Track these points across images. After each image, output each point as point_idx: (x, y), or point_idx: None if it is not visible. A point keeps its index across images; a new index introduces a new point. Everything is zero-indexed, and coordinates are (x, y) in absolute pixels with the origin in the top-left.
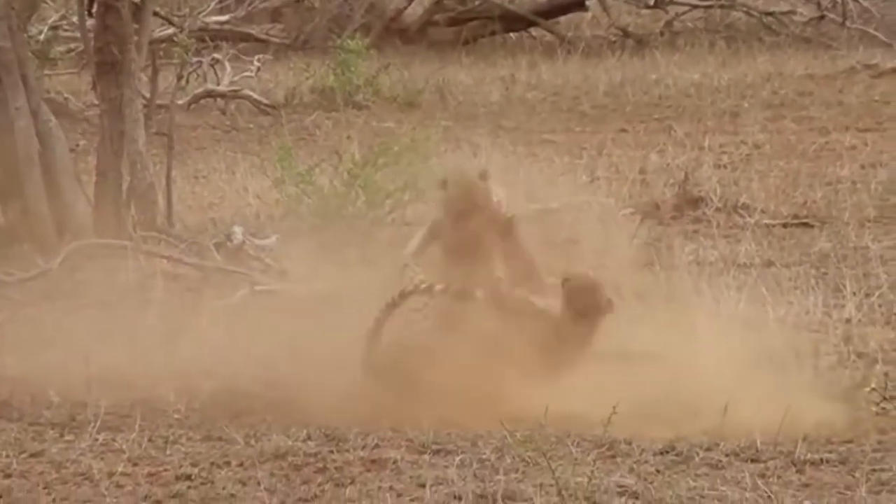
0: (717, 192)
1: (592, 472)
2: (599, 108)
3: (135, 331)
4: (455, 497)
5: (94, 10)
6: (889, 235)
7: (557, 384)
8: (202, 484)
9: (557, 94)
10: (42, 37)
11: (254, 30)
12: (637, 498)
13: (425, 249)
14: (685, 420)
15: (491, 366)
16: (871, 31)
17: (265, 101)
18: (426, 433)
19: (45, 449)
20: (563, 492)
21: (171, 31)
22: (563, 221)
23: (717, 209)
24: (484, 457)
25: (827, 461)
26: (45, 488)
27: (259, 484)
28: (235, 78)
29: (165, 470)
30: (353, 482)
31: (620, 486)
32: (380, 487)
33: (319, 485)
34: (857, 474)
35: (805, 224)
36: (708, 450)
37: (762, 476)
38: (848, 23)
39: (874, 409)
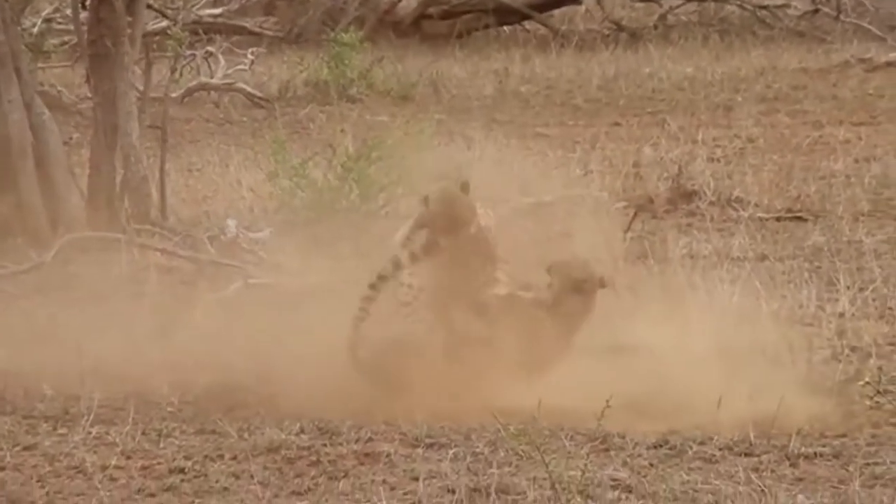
0: (710, 185)
1: (586, 465)
2: (593, 101)
3: (128, 324)
4: (448, 490)
5: (87, 2)
6: (883, 229)
7: (557, 373)
8: (195, 477)
9: (551, 87)
10: (36, 29)
11: (247, 23)
12: (630, 491)
13: (414, 239)
14: (679, 414)
15: (485, 361)
16: (865, 24)
17: (259, 94)
18: (420, 427)
19: (39, 442)
20: (557, 485)
21: (164, 23)
22: (556, 215)
23: (711, 203)
24: (477, 450)
25: (821, 455)
26: (38, 481)
27: (252, 477)
28: (229, 71)
29: (159, 463)
30: (346, 475)
31: (614, 480)
32: (373, 481)
33: (313, 478)
34: (850, 468)
35: (799, 218)
36: (701, 443)
37: (756, 470)
38: (842, 16)
39: (868, 402)
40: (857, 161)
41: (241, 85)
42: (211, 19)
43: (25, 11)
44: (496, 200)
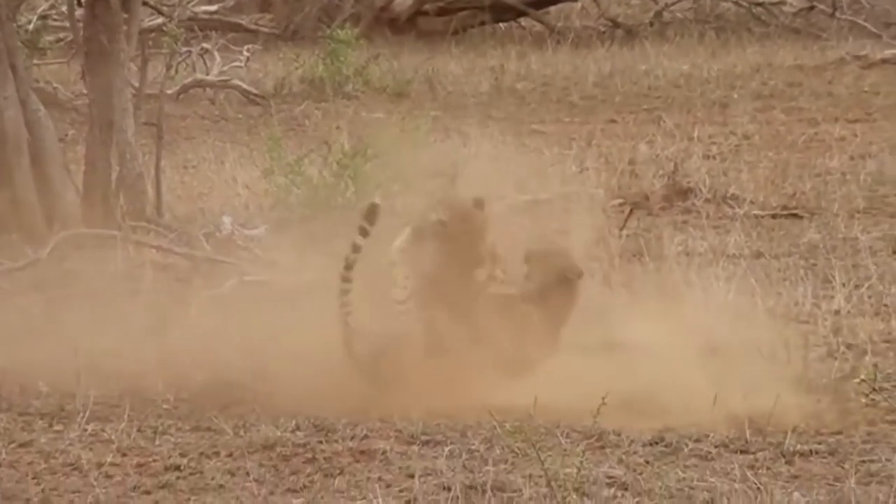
0: (706, 182)
1: (581, 462)
2: (589, 98)
3: (124, 321)
4: (444, 488)
5: None
6: (878, 226)
7: (549, 368)
8: (191, 474)
9: (547, 84)
10: (31, 26)
11: (243, 19)
12: (626, 489)
13: (411, 248)
14: (674, 411)
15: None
16: (861, 21)
17: (254, 91)
18: (415, 424)
19: (34, 439)
20: (553, 483)
21: (160, 20)
22: (552, 212)
23: (707, 200)
24: (473, 447)
25: (816, 452)
26: (33, 478)
27: (248, 474)
28: (225, 68)
29: (154, 460)
30: (341, 473)
31: (609, 477)
32: (368, 478)
33: (308, 475)
34: (846, 465)
35: (794, 215)
36: (697, 441)
37: (751, 467)
38: (837, 13)
39: (863, 400)
40: (852, 158)
41: (236, 82)
42: (207, 16)
43: (21, 8)
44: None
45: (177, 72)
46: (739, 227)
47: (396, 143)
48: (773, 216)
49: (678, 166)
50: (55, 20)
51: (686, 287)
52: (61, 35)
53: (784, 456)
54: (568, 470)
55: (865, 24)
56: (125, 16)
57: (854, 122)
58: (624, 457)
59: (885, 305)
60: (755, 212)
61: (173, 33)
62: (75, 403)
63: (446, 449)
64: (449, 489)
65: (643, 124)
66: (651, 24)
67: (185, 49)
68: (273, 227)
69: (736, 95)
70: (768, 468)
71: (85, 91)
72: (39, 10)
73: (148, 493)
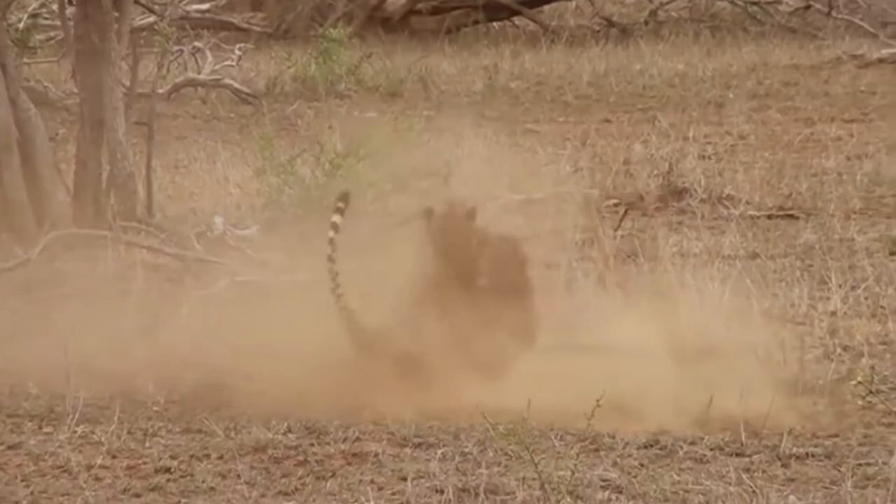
0: (701, 183)
1: (576, 465)
2: (583, 98)
3: (114, 321)
4: (437, 491)
5: None
6: (875, 227)
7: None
8: (181, 477)
9: (541, 83)
10: (22, 25)
11: (235, 18)
12: (621, 492)
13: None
14: (669, 414)
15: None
16: (857, 20)
17: (246, 90)
18: (408, 426)
19: (24, 441)
20: (546, 486)
21: (151, 19)
22: (546, 212)
23: (702, 200)
24: (466, 450)
25: (812, 455)
26: (22, 481)
27: (239, 477)
28: (216, 67)
29: (144, 462)
30: (333, 475)
31: (604, 480)
32: (361, 481)
33: (300, 478)
34: (842, 468)
35: (790, 216)
36: (692, 444)
37: (747, 470)
38: (834, 13)
39: (860, 402)
40: (848, 158)
41: (228, 81)
42: (198, 15)
43: (11, 6)
44: (485, 197)
45: (168, 71)
46: (735, 228)
47: (389, 143)
48: (769, 217)
49: (673, 166)
50: (46, 18)
51: (681, 288)
52: (52, 33)
53: (780, 459)
54: (562, 473)
55: (862, 23)
56: (116, 14)
57: (850, 122)
58: (618, 460)
59: (882, 307)
60: (751, 212)
61: (165, 32)
62: (65, 405)
63: (439, 451)
64: (442, 492)
65: (638, 124)
66: (646, 22)
67: (176, 48)
68: (265, 227)
69: (731, 95)
70: (764, 471)
71: (75, 90)
72: (30, 9)
73: (138, 495)
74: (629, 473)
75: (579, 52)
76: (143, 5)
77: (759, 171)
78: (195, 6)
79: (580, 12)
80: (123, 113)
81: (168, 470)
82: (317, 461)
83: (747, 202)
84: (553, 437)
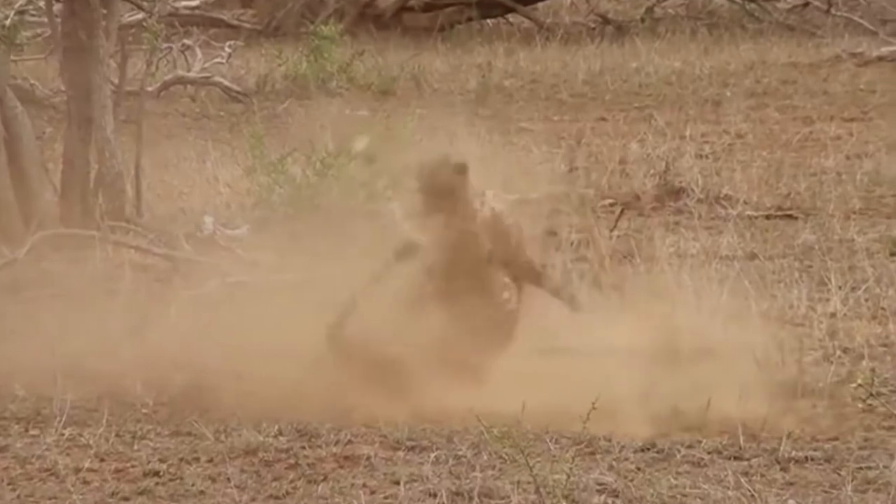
0: (698, 182)
1: (571, 469)
2: (578, 96)
3: (102, 322)
4: (430, 494)
5: None
6: (875, 228)
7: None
8: (170, 480)
9: (535, 81)
10: (8, 21)
11: (225, 15)
12: (617, 496)
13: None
14: (666, 416)
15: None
16: (857, 18)
17: (236, 88)
18: (400, 429)
19: (10, 444)
20: (541, 489)
21: (140, 16)
22: (540, 212)
23: (699, 200)
24: (460, 453)
25: (812, 459)
26: (9, 484)
27: (229, 480)
28: (206, 64)
29: (133, 466)
30: (325, 479)
31: (600, 484)
32: (353, 484)
33: (291, 481)
34: (842, 472)
35: (789, 216)
36: (689, 447)
37: (745, 474)
38: (833, 10)
39: (860, 405)
40: (848, 158)
41: (218, 79)
42: (187, 11)
43: None
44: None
45: (157, 68)
46: (732, 228)
47: (381, 142)
48: (767, 217)
49: (670, 166)
50: (33, 15)
51: (678, 289)
52: (39, 30)
53: (779, 462)
54: (557, 476)
55: (861, 20)
56: (104, 11)
57: (850, 121)
58: (614, 463)
59: (882, 308)
60: (749, 212)
61: (153, 29)
62: (52, 407)
63: (432, 455)
64: (435, 496)
65: (634, 123)
66: (642, 20)
67: (165, 45)
68: (255, 227)
69: (729, 93)
70: (762, 475)
71: (63, 88)
72: (17, 5)
73: (126, 499)
74: (625, 477)
75: (574, 49)
76: (132, 2)
77: (757, 170)
78: (184, 3)
79: (575, 9)
80: (112, 111)
81: (157, 473)
82: (308, 464)
83: (745, 202)
84: (548, 441)
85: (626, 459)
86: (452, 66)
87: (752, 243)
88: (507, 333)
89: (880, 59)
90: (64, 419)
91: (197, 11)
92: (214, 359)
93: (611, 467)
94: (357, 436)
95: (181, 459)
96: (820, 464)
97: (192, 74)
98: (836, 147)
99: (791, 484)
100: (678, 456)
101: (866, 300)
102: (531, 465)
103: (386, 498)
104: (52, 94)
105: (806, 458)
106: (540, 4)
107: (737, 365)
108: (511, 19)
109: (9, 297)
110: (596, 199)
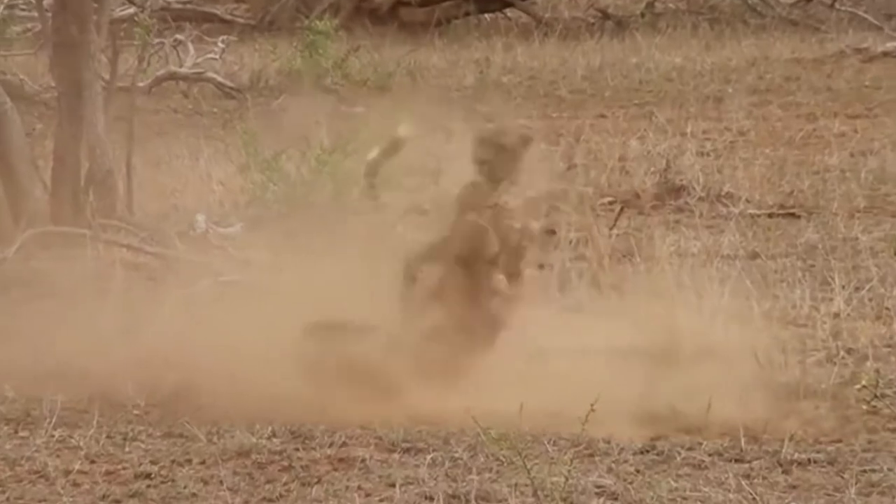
0: (699, 180)
1: (569, 471)
2: (577, 92)
3: (93, 322)
4: (426, 497)
5: None
6: (879, 226)
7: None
8: (162, 482)
9: (534, 77)
10: None
11: (218, 10)
12: (616, 499)
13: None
14: (666, 418)
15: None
16: (861, 13)
17: (230, 84)
18: (396, 431)
19: None
20: (539, 492)
21: (131, 10)
22: (539, 210)
23: (700, 198)
24: (456, 455)
25: (814, 461)
26: None
27: (222, 483)
28: (199, 60)
29: (124, 468)
30: (319, 481)
31: (599, 487)
32: (348, 487)
33: (285, 484)
34: (846, 475)
35: (791, 214)
36: (690, 449)
37: (747, 477)
38: (837, 4)
39: (864, 407)
40: (852, 155)
41: (211, 74)
42: (180, 6)
43: None
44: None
45: (149, 64)
46: (734, 227)
47: (377, 139)
48: (770, 215)
49: (670, 163)
50: (22, 9)
51: (678, 289)
52: (29, 25)
53: (781, 465)
54: (555, 479)
55: (866, 15)
56: (95, 5)
57: (854, 118)
58: (614, 465)
59: (887, 308)
60: (751, 211)
61: (145, 24)
62: (42, 408)
63: (428, 457)
64: (431, 499)
65: (634, 119)
66: (642, 15)
67: (157, 40)
68: (248, 226)
69: (731, 90)
70: (764, 478)
71: (53, 84)
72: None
73: (117, 501)
74: (625, 480)
75: (573, 45)
76: None
77: (759, 168)
78: None
79: (574, 4)
80: (103, 107)
81: (148, 476)
82: (302, 467)
83: (747, 200)
84: (546, 442)
85: (626, 462)
86: (449, 61)
87: (754, 242)
88: (497, 331)
89: (885, 54)
90: (54, 420)
91: (189, 6)
92: (207, 359)
93: (610, 470)
94: (352, 438)
95: (173, 461)
96: (823, 466)
97: (184, 70)
98: (841, 144)
99: (793, 487)
100: (678, 458)
101: (870, 300)
102: (529, 467)
103: (381, 501)
104: (42, 90)
105: (809, 460)
106: None
107: (738, 366)
108: (509, 14)
109: None
110: (595, 198)
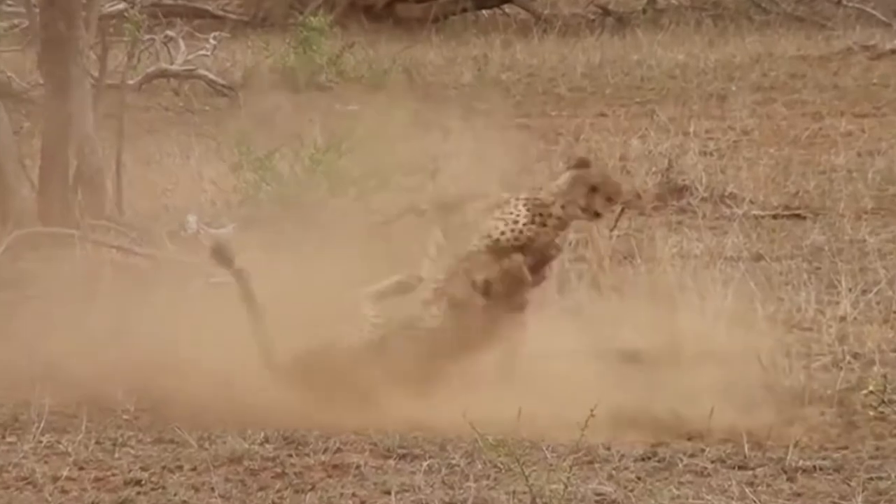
0: (702, 180)
1: (569, 478)
2: (577, 90)
3: (82, 325)
4: None
5: None
6: (887, 228)
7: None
8: (153, 489)
9: (533, 75)
10: None
11: (209, 6)
12: None
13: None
14: (668, 423)
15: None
16: (869, 9)
17: (221, 81)
18: (391, 437)
19: None
20: (538, 500)
21: (121, 6)
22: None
23: (703, 199)
24: (453, 462)
25: (820, 469)
26: None
27: (213, 490)
28: (190, 57)
29: (113, 474)
30: (313, 488)
31: (598, 495)
32: (342, 494)
33: (278, 491)
34: (852, 483)
35: (797, 215)
36: (692, 456)
37: (750, 484)
38: (843, 0)
39: (871, 413)
40: (859, 155)
41: (202, 71)
42: (171, 2)
43: None
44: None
45: (139, 61)
46: (738, 228)
47: (372, 138)
48: (774, 216)
49: (673, 163)
50: (9, 5)
51: (680, 291)
52: (16, 21)
53: (785, 472)
54: (554, 486)
55: (874, 11)
56: (84, 1)
57: (861, 117)
58: (614, 472)
59: (895, 312)
60: (755, 212)
61: (135, 20)
62: (30, 413)
63: (425, 463)
64: None
65: (635, 118)
66: (644, 11)
67: (147, 37)
68: (241, 226)
69: (735, 88)
70: (768, 485)
71: (41, 81)
72: None
73: None
74: (625, 487)
75: (573, 41)
76: None
77: (763, 168)
78: None
79: (574, 0)
80: (92, 105)
81: (138, 482)
82: (295, 473)
83: (751, 201)
84: (545, 449)
85: (626, 469)
86: (447, 58)
87: (758, 244)
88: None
89: (894, 52)
90: (42, 425)
91: (181, 2)
92: (198, 362)
93: (610, 477)
94: (346, 444)
95: (164, 468)
96: (829, 474)
97: (175, 67)
98: (847, 144)
99: (798, 495)
100: (680, 465)
101: (878, 303)
102: (527, 474)
103: None
104: (29, 88)
105: (814, 467)
106: None
107: (742, 370)
108: (507, 10)
109: None
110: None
